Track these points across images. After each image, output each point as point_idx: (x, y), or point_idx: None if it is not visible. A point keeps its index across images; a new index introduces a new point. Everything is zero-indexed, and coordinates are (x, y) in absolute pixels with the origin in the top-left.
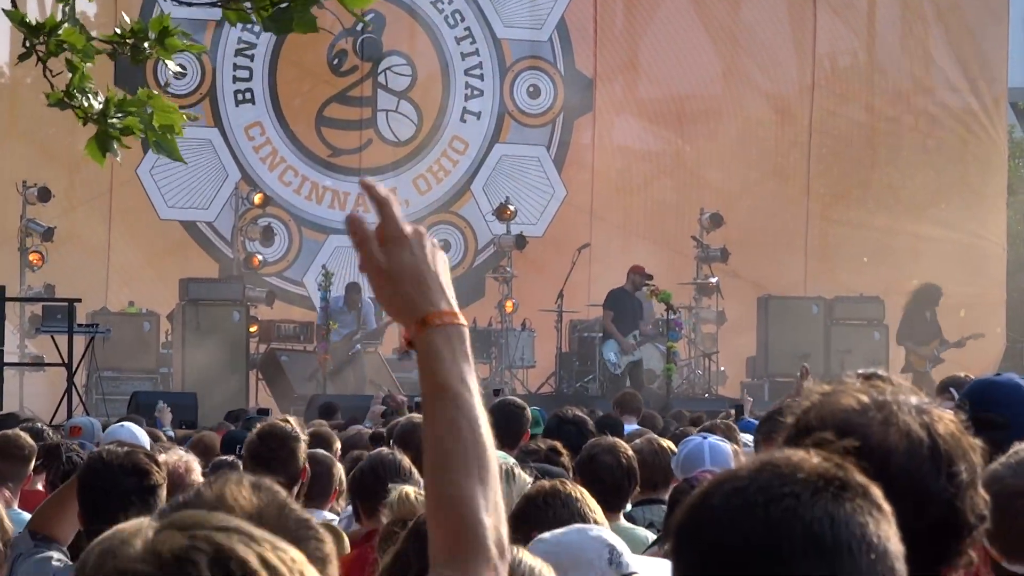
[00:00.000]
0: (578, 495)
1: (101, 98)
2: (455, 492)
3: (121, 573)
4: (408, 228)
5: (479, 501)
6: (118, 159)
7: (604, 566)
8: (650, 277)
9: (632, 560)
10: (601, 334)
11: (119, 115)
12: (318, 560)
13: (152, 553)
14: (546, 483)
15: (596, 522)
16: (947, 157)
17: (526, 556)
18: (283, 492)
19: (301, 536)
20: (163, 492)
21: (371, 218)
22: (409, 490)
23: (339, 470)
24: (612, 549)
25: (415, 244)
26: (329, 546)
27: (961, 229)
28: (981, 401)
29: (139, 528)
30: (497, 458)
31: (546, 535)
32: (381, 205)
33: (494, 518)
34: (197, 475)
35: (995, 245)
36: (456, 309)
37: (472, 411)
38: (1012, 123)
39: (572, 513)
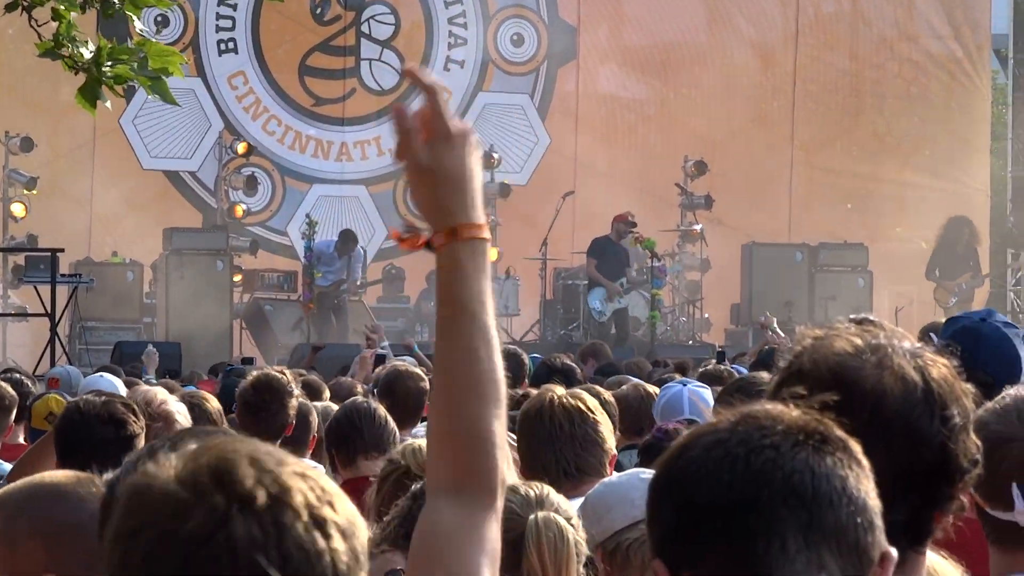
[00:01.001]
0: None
1: (92, 47)
2: (472, 423)
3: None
4: (458, 125)
5: (496, 435)
6: (108, 105)
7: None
8: (634, 224)
9: None
10: (586, 282)
11: (110, 63)
12: None
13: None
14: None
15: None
16: (931, 104)
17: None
18: None
19: None
20: (141, 442)
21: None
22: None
23: (315, 418)
24: None
25: (462, 145)
26: None
27: (945, 176)
28: (968, 358)
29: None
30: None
31: (610, 478)
32: (430, 94)
33: (503, 454)
34: (180, 425)
35: (978, 191)
36: (484, 221)
37: (490, 335)
38: (995, 69)
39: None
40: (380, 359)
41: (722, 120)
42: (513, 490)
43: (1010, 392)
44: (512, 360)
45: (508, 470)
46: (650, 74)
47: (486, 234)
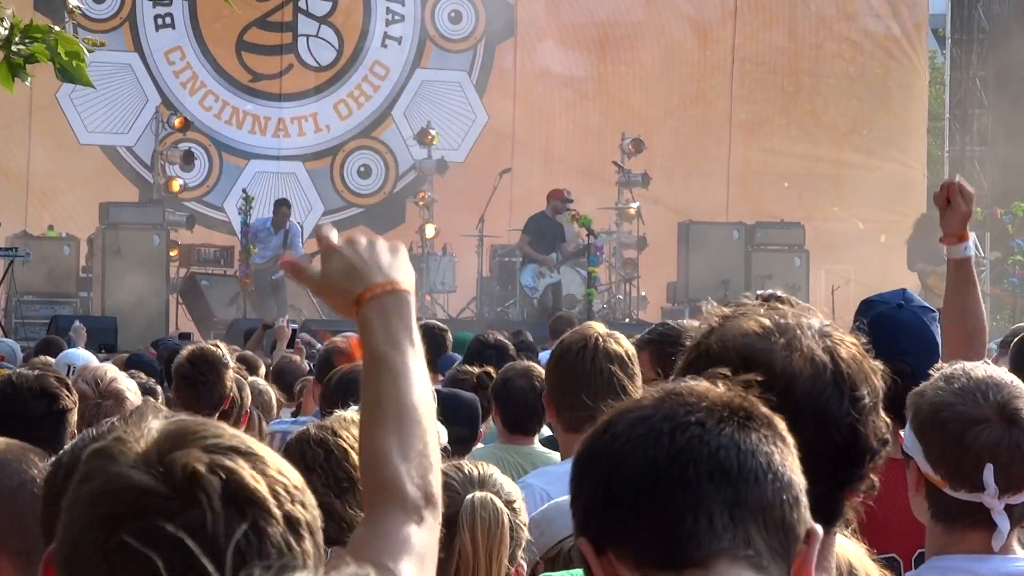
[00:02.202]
0: None
1: (7, 24)
2: (370, 445)
3: (124, 483)
4: (336, 239)
5: (392, 450)
6: (27, 83)
7: None
8: (570, 200)
9: None
10: (521, 259)
11: (25, 42)
12: None
13: (165, 468)
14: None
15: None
16: (869, 83)
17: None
18: None
19: None
20: (73, 416)
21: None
22: None
23: (248, 393)
24: None
25: (344, 247)
26: None
27: (882, 155)
28: (888, 347)
29: (144, 435)
30: (432, 414)
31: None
32: (318, 235)
33: (415, 466)
34: (131, 402)
35: (916, 171)
36: (393, 277)
37: (397, 368)
38: (933, 49)
39: None
40: (295, 331)
41: (660, 98)
42: (457, 467)
43: (956, 371)
44: (431, 336)
45: (434, 478)
46: (588, 51)
47: (396, 287)
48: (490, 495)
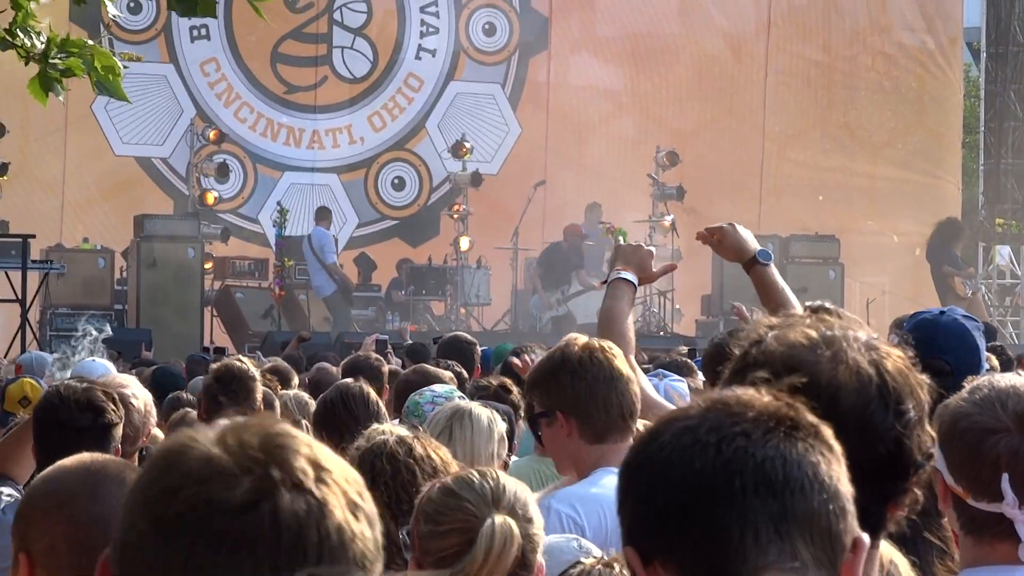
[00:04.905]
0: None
1: (44, 38)
2: None
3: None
4: None
5: None
6: (60, 98)
7: (574, 550)
8: (586, 237)
9: (592, 547)
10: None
11: (61, 55)
12: None
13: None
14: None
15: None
16: (903, 97)
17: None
18: None
19: None
20: (119, 431)
21: None
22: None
23: (278, 405)
24: (578, 539)
25: None
26: None
27: (916, 168)
28: (927, 347)
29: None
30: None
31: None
32: None
33: None
34: (135, 409)
35: (950, 184)
36: None
37: None
38: (967, 62)
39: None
40: (383, 344)
41: (694, 111)
42: (468, 481)
43: (982, 382)
44: (462, 350)
45: None
46: (622, 64)
47: None
48: (509, 521)
